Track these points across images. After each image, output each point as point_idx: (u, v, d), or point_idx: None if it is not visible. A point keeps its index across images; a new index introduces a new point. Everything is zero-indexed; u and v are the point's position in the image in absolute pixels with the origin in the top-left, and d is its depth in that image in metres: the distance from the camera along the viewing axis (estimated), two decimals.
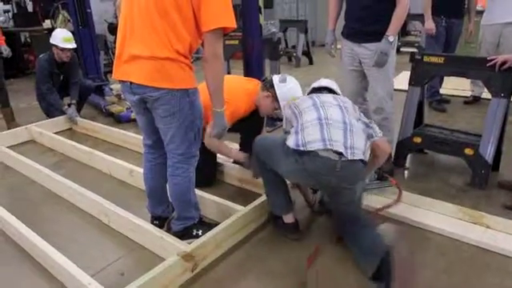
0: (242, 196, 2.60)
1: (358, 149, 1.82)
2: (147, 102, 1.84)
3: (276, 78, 2.53)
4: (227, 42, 4.33)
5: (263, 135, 2.35)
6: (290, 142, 1.86)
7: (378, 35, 2.60)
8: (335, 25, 2.97)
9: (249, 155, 2.49)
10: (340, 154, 1.77)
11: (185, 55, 1.77)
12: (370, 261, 1.78)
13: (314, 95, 2.11)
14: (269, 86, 2.52)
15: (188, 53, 1.79)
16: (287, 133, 2.05)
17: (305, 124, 1.88)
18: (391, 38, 2.57)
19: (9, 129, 4.02)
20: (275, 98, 2.50)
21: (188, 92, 1.81)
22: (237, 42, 4.36)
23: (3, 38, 4.13)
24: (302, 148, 1.80)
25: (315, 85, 2.33)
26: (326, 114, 1.90)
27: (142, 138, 2.12)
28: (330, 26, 2.96)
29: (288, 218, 2.16)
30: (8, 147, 3.51)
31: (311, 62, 7.29)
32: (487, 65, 2.54)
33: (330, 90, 2.26)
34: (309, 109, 1.96)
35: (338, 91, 2.30)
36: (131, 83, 1.81)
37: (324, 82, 2.33)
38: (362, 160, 1.82)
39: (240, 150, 2.75)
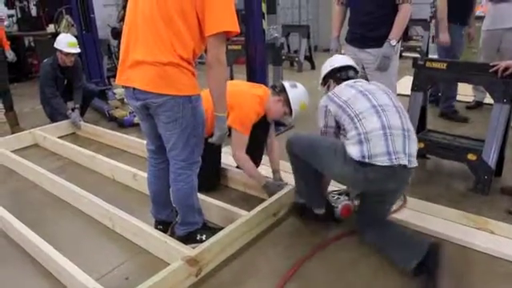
0: (246, 201, 2.61)
1: (414, 156, 1.89)
2: (150, 108, 1.85)
3: (287, 83, 2.57)
4: (230, 48, 4.35)
5: (299, 133, 2.30)
6: (354, 151, 1.86)
7: (380, 40, 2.62)
8: (339, 32, 3.00)
9: (269, 183, 2.54)
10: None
11: (188, 61, 1.78)
12: (414, 252, 1.82)
13: (359, 86, 2.03)
14: (279, 91, 2.55)
15: (191, 58, 1.80)
16: (330, 128, 2.04)
17: (369, 134, 1.86)
18: (393, 42, 2.59)
19: (13, 133, 4.04)
20: (287, 102, 2.52)
21: (191, 98, 1.82)
22: (239, 47, 4.38)
23: (8, 42, 4.16)
24: (367, 160, 1.83)
25: (335, 65, 2.22)
26: (389, 121, 1.89)
27: (146, 143, 2.13)
28: (334, 33, 2.98)
29: (320, 211, 2.28)
30: (12, 151, 3.53)
31: (313, 67, 7.30)
32: (490, 71, 2.55)
33: (354, 69, 2.23)
34: (369, 113, 1.90)
35: (357, 67, 2.29)
36: (134, 89, 1.82)
37: (343, 60, 2.25)
38: None
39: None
